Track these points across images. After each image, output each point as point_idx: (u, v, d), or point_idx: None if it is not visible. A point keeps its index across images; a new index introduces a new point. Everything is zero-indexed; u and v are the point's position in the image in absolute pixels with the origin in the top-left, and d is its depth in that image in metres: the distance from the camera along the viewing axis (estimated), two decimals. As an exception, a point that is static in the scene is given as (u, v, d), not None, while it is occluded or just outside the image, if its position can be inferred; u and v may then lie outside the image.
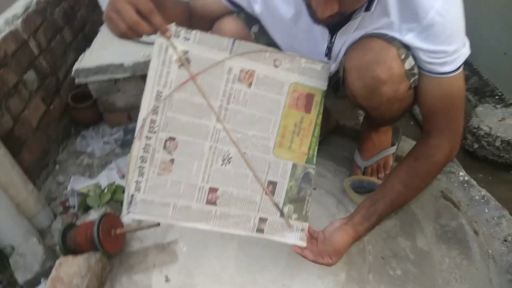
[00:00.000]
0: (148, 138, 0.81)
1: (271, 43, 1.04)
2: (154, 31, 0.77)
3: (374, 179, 1.18)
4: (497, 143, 1.37)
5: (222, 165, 0.87)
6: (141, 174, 0.81)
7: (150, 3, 0.74)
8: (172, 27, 0.80)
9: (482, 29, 1.70)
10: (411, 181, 0.95)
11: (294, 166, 0.93)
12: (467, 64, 0.86)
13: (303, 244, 0.90)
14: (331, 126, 1.41)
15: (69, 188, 1.54)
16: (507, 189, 1.35)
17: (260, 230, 0.89)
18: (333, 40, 0.90)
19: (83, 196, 1.42)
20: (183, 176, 0.85)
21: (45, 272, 1.17)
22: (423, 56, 0.84)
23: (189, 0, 1.04)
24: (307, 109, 0.93)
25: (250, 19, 1.01)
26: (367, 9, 0.80)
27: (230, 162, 0.88)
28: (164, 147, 0.83)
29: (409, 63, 0.85)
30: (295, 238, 0.90)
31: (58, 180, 1.64)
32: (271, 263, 1.03)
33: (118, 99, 1.77)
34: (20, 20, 1.58)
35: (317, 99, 0.94)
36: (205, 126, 0.86)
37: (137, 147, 0.81)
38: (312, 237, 0.93)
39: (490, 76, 1.74)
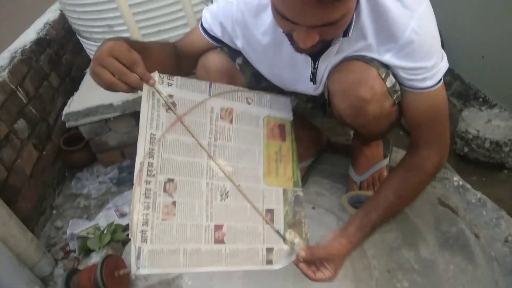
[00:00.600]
0: (147, 182, 0.80)
1: (256, 73, 1.07)
2: (139, 83, 0.78)
3: (370, 192, 1.19)
4: (487, 145, 1.39)
5: (221, 200, 0.88)
6: (145, 222, 0.78)
7: (132, 54, 0.77)
8: (156, 75, 0.84)
9: (460, 35, 1.75)
10: (403, 191, 0.97)
11: (285, 191, 0.97)
12: (448, 70, 0.89)
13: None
14: (323, 144, 1.42)
15: (68, 232, 1.53)
16: (502, 188, 1.37)
17: (269, 262, 0.89)
18: (316, 65, 0.93)
19: (83, 239, 1.41)
20: (187, 218, 0.83)
21: (51, 322, 1.16)
22: (403, 74, 0.86)
23: (175, 40, 1.06)
24: (282, 137, 1.03)
25: (234, 52, 1.04)
26: (345, 34, 0.82)
27: (228, 196, 0.89)
28: (165, 189, 0.82)
29: (390, 81, 0.87)
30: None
31: (57, 225, 1.63)
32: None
33: (110, 138, 1.78)
34: (6, 71, 1.60)
35: (288, 128, 1.05)
36: (199, 164, 0.88)
37: (138, 192, 0.79)
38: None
39: (471, 80, 1.78)
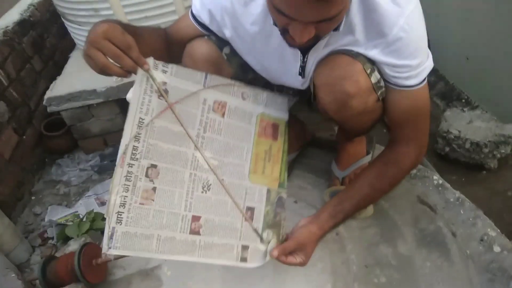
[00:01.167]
0: (130, 165, 0.80)
1: (243, 64, 1.06)
2: (133, 66, 0.78)
3: (352, 188, 1.20)
4: (467, 145, 1.41)
5: (202, 192, 0.88)
6: (122, 204, 0.78)
7: (127, 38, 0.76)
8: (151, 60, 0.83)
9: (445, 36, 1.77)
10: (378, 184, 0.99)
11: (269, 191, 0.97)
12: (433, 70, 0.90)
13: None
14: (307, 139, 1.42)
15: (46, 219, 1.51)
16: (480, 188, 1.40)
17: (243, 259, 0.89)
18: (305, 59, 0.92)
19: (62, 226, 1.40)
20: (166, 205, 0.83)
21: (26, 309, 1.14)
22: (388, 71, 0.87)
23: (166, 26, 1.05)
24: (274, 137, 1.02)
25: (221, 41, 1.03)
26: (336, 29, 0.82)
27: (209, 189, 0.88)
28: (146, 175, 0.82)
29: (375, 76, 0.88)
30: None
31: (35, 212, 1.60)
32: (257, 280, 1.03)
33: (93, 125, 1.76)
34: (-13, 52, 1.55)
35: (282, 128, 1.04)
36: (185, 153, 0.87)
37: (119, 174, 0.79)
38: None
39: (455, 81, 1.81)
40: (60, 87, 1.68)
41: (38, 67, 1.94)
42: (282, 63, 0.97)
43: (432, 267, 1.00)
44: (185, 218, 0.85)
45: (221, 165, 0.91)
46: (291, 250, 0.91)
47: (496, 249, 1.00)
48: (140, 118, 0.82)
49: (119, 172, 0.79)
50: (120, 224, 0.78)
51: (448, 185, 1.20)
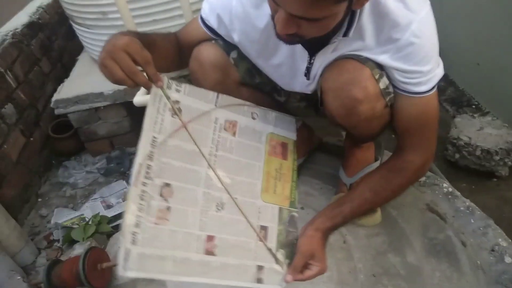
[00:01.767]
0: (144, 184, 0.78)
1: (251, 68, 1.05)
2: (148, 84, 0.79)
3: (360, 195, 1.19)
4: (478, 153, 1.39)
5: (216, 211, 0.86)
6: (137, 224, 0.75)
7: (146, 54, 0.76)
8: (165, 79, 0.83)
9: (456, 42, 1.75)
10: (381, 191, 0.97)
11: (280, 210, 0.96)
12: (443, 75, 0.89)
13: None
14: (314, 144, 1.41)
15: (52, 221, 1.51)
16: (490, 197, 1.37)
17: (259, 280, 0.86)
18: (312, 61, 0.91)
19: (68, 229, 1.39)
20: (180, 225, 0.81)
21: (30, 312, 1.14)
22: (398, 76, 0.85)
23: (177, 30, 1.05)
24: (284, 156, 1.03)
25: (228, 45, 1.02)
26: (345, 34, 0.81)
27: (223, 208, 0.87)
28: (160, 194, 0.80)
29: (384, 82, 0.86)
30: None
31: (41, 214, 1.61)
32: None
33: (100, 128, 1.76)
34: (-5, 54, 1.56)
35: (290, 147, 1.05)
36: (198, 172, 0.86)
37: (133, 194, 0.76)
38: None
39: (465, 87, 1.78)
40: (68, 89, 1.68)
41: (46, 69, 1.95)
42: (293, 61, 0.95)
43: (442, 278, 0.98)
44: (199, 238, 0.82)
45: (234, 184, 0.90)
46: (302, 264, 0.88)
47: (508, 260, 0.98)
48: (154, 136, 0.81)
49: (134, 191, 0.77)
50: (135, 245, 0.74)
51: (458, 193, 1.18)
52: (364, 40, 0.83)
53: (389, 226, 1.11)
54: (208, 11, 0.97)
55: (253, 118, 1.00)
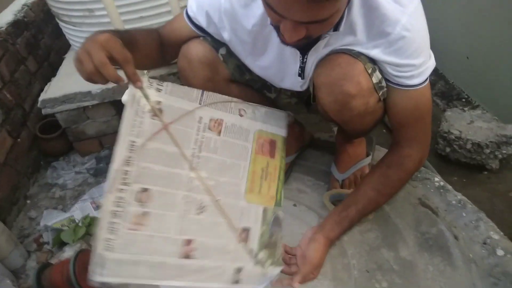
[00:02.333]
0: (120, 190, 0.77)
1: (240, 65, 1.04)
2: (117, 78, 0.75)
3: (352, 191, 1.18)
4: (468, 146, 1.40)
5: (196, 214, 0.84)
6: (112, 231, 0.74)
7: (125, 52, 0.75)
8: (145, 78, 0.80)
9: (445, 35, 1.76)
10: (383, 188, 0.98)
11: (265, 210, 0.94)
12: (433, 69, 0.89)
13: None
14: (306, 141, 1.41)
15: (42, 223, 1.48)
16: (481, 190, 1.38)
17: (236, 282, 0.86)
18: (305, 60, 0.91)
19: (57, 231, 1.37)
20: (157, 230, 0.80)
21: (20, 317, 1.12)
22: (390, 70, 0.85)
23: (158, 27, 1.02)
24: (272, 154, 1.00)
25: (217, 42, 1.01)
26: (336, 29, 0.81)
27: (204, 211, 0.85)
28: (138, 199, 0.79)
29: (377, 76, 0.86)
30: (270, 284, 0.90)
31: (30, 216, 1.58)
32: None
33: (88, 127, 1.73)
34: (-20, 53, 1.53)
35: (279, 145, 1.01)
36: (179, 175, 0.84)
37: (109, 201, 0.75)
38: (289, 254, 0.97)
39: (455, 80, 1.79)
40: (55, 89, 1.65)
41: (32, 68, 1.91)
42: (282, 64, 0.95)
43: (435, 272, 0.98)
44: (176, 242, 0.81)
45: (217, 185, 0.88)
46: (309, 272, 0.92)
47: (500, 252, 0.99)
48: (131, 141, 0.79)
49: (109, 198, 0.76)
50: (109, 251, 0.74)
51: (449, 187, 1.18)
52: (356, 35, 0.83)
53: (382, 221, 1.11)
54: (195, 9, 0.95)
55: (241, 115, 0.97)
